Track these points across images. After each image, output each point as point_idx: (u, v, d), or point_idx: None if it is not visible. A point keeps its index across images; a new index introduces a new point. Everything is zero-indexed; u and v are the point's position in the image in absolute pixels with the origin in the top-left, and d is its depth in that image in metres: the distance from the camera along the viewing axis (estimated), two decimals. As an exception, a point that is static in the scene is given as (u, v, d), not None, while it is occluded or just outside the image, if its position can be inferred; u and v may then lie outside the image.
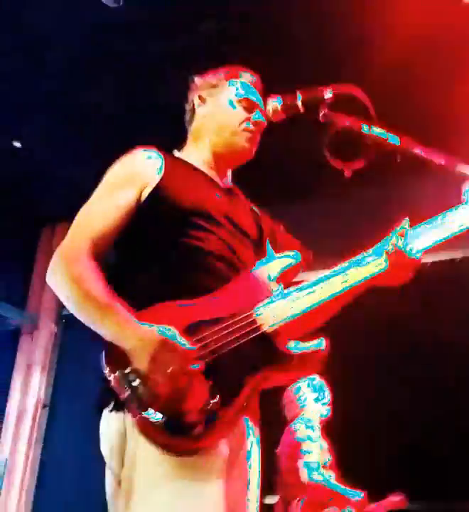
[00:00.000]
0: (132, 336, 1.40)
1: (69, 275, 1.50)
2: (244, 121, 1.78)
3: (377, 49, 3.45)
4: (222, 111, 1.81)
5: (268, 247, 1.83)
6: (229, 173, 1.86)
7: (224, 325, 1.49)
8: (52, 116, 4.40)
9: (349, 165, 1.55)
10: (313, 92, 1.59)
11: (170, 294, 1.51)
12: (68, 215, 1.68)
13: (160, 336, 1.38)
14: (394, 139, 1.54)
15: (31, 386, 6.37)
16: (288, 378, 1.78)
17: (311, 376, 3.81)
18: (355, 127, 1.55)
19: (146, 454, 1.39)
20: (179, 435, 1.36)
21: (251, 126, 1.79)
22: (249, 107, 1.80)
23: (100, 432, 1.51)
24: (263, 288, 1.59)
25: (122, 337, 1.41)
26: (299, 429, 3.65)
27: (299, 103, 1.59)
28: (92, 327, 1.46)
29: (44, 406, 6.28)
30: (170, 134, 1.80)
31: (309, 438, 3.60)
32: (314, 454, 3.53)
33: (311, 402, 3.76)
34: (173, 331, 1.41)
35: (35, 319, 6.64)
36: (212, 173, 1.79)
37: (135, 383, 1.36)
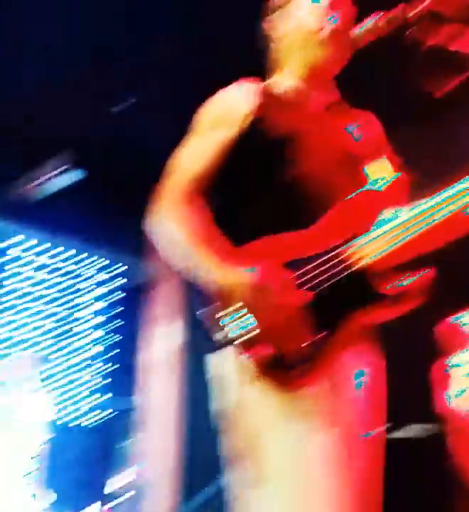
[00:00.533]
0: (233, 280, 1.39)
1: (171, 218, 1.51)
2: (326, 24, 1.64)
3: None
4: (301, 20, 1.67)
5: (372, 169, 1.68)
6: (327, 87, 1.74)
7: (323, 260, 1.43)
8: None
9: (441, 85, 1.45)
10: (396, 11, 1.49)
11: (271, 228, 1.48)
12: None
13: (262, 276, 1.36)
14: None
15: (160, 338, 6.90)
16: (392, 313, 1.58)
17: None
18: (447, 43, 1.42)
19: (254, 394, 1.40)
20: (284, 371, 1.36)
21: (336, 26, 1.63)
22: (330, 4, 1.65)
23: (210, 374, 1.53)
24: (365, 217, 1.50)
25: (224, 281, 1.40)
26: None
27: (382, 23, 1.48)
28: (198, 274, 1.45)
29: (174, 356, 6.79)
30: (257, 68, 1.74)
31: None
32: None
33: None
34: (273, 269, 1.39)
35: (158, 273, 7.04)
36: (306, 94, 1.68)
37: (237, 323, 1.37)
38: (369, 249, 1.43)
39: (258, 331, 1.35)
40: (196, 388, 6.34)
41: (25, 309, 7.08)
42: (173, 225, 1.50)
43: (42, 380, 6.56)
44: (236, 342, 1.38)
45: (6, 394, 5.15)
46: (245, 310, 1.36)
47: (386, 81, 4.17)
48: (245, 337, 1.36)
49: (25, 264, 7.18)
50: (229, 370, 1.45)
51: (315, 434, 1.34)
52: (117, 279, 7.90)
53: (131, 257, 7.47)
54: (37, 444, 5.09)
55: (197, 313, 1.45)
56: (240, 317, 1.37)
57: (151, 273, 7.52)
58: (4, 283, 6.94)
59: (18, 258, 7.14)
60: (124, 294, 7.79)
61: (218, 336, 1.40)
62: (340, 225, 1.47)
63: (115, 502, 5.46)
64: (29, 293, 7.17)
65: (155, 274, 7.45)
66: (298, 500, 1.30)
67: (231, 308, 1.38)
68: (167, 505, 6.32)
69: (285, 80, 1.71)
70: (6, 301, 6.90)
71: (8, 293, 6.96)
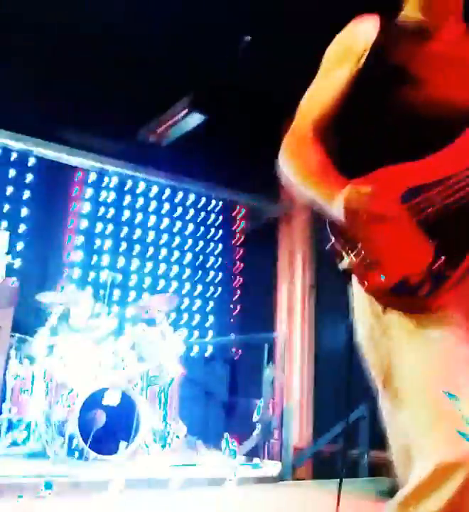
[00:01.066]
0: (342, 201, 1.38)
1: (292, 155, 1.57)
2: None
3: None
4: None
5: None
6: (452, 18, 1.63)
7: (446, 185, 1.38)
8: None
9: None
10: None
11: (390, 158, 1.44)
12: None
13: (367, 191, 1.35)
14: None
15: (296, 271, 7.22)
16: None
17: None
18: None
19: (385, 322, 1.38)
20: (406, 295, 1.32)
21: None
22: None
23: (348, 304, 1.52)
24: None
25: (335, 205, 1.40)
26: None
27: None
28: (315, 202, 1.48)
29: (311, 286, 7.06)
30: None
31: None
32: None
33: None
34: (394, 195, 1.36)
35: (290, 208, 7.26)
36: (430, 26, 1.60)
37: (354, 250, 1.36)
38: None
39: (379, 256, 1.33)
40: (329, 322, 6.37)
41: (154, 255, 7.40)
42: (296, 164, 1.56)
43: (175, 318, 6.89)
44: (358, 270, 1.37)
45: (147, 330, 5.45)
46: (366, 236, 1.35)
47: None
48: (366, 264, 1.35)
49: (151, 212, 7.46)
50: (359, 299, 1.45)
51: (447, 351, 1.31)
52: (240, 221, 8.03)
53: (255, 198, 7.54)
54: (171, 377, 5.36)
55: (326, 246, 1.45)
56: (362, 245, 1.35)
57: (274, 213, 7.59)
58: (131, 230, 7.27)
59: (145, 205, 7.44)
60: (248, 235, 7.92)
61: (343, 266, 1.40)
62: (464, 150, 1.39)
63: (250, 438, 5.68)
64: (156, 239, 7.47)
65: (280, 214, 7.50)
66: (434, 417, 1.26)
67: (352, 236, 1.37)
68: (301, 436, 6.51)
69: (408, 12, 1.65)
70: (134, 248, 7.25)
71: (136, 241, 7.29)
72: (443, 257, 1.32)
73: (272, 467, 5.09)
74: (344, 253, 1.39)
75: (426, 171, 1.41)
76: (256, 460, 5.20)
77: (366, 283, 1.37)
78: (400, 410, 1.35)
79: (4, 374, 4.57)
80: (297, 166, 1.55)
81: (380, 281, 1.34)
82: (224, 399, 7.12)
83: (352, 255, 1.37)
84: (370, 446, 5.50)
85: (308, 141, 1.56)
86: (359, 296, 1.45)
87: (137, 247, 7.29)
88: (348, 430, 5.72)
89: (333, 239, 1.44)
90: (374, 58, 1.55)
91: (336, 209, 1.39)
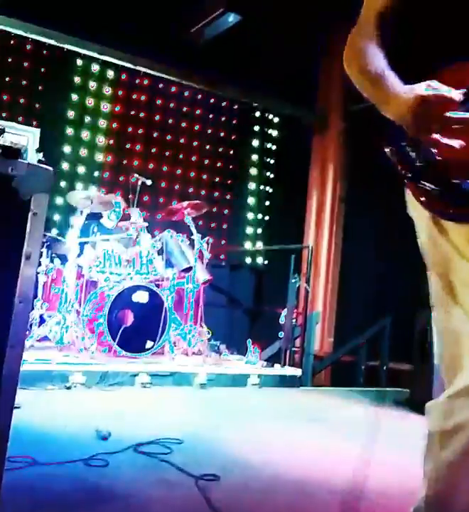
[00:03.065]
0: (400, 104, 1.28)
1: (351, 52, 1.50)
2: None
3: None
4: None
5: None
6: None
7: None
8: None
9: None
10: None
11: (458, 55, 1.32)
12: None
13: (424, 93, 1.24)
14: None
15: (327, 181, 7.15)
16: None
17: None
18: None
19: (438, 229, 1.32)
20: (459, 203, 1.24)
21: None
22: None
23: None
24: None
25: (393, 108, 1.31)
26: None
27: None
28: (373, 102, 1.40)
29: (341, 200, 7.02)
30: None
31: None
32: None
33: None
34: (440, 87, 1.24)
35: (325, 118, 7.22)
36: None
37: (411, 154, 1.28)
38: None
39: (428, 162, 1.27)
40: (356, 236, 6.34)
41: (185, 160, 7.33)
42: (350, 58, 1.49)
43: (204, 225, 6.92)
44: (411, 175, 1.31)
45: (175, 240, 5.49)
46: (416, 139, 1.28)
47: None
48: (413, 171, 1.29)
49: (183, 116, 7.33)
50: (414, 206, 1.39)
51: None
52: (274, 129, 7.87)
53: (290, 106, 7.34)
54: (198, 282, 5.44)
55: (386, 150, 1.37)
56: (410, 150, 1.29)
57: (309, 122, 7.40)
58: (162, 134, 7.19)
59: (177, 108, 7.30)
60: (282, 144, 7.78)
61: (401, 171, 1.33)
62: None
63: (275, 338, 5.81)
64: (188, 144, 7.37)
65: (317, 122, 7.31)
66: None
67: (404, 142, 1.31)
68: (323, 344, 6.66)
69: None
70: (165, 153, 7.19)
71: (167, 145, 7.21)
72: None
73: (292, 372, 5.23)
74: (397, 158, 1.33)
75: None
76: (277, 366, 5.34)
77: (416, 190, 1.31)
78: (454, 306, 1.31)
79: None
80: (359, 66, 1.47)
81: (430, 190, 1.28)
82: (249, 307, 7.27)
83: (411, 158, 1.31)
84: (390, 358, 5.61)
85: (370, 37, 1.48)
86: (413, 204, 1.39)
87: (168, 152, 7.24)
88: (368, 341, 5.84)
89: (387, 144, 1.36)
90: None
91: (401, 113, 1.31)
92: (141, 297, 4.76)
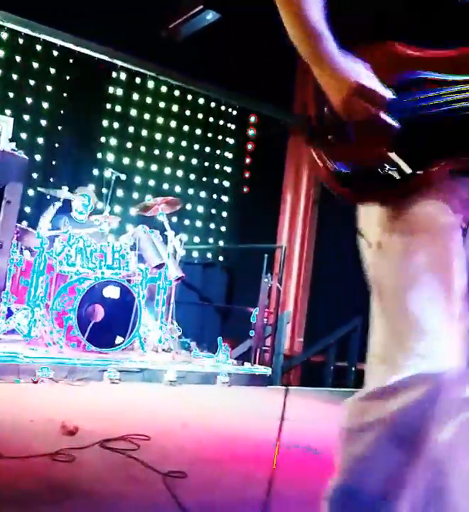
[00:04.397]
0: (333, 74, 1.24)
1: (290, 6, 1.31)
2: None
3: None
4: None
5: None
6: None
7: (445, 90, 1.21)
8: None
9: None
10: None
11: (399, 35, 1.25)
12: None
13: (359, 81, 1.20)
14: None
15: (302, 183, 7.22)
16: None
17: None
18: None
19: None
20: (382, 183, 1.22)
21: None
22: None
23: None
24: None
25: (324, 71, 1.25)
26: None
27: None
28: (304, 54, 1.30)
29: (315, 202, 7.09)
30: None
31: None
32: None
33: None
34: (375, 80, 1.21)
35: (301, 119, 7.33)
36: None
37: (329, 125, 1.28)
38: None
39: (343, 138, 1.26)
40: (329, 239, 6.39)
41: (160, 156, 7.29)
42: (294, 12, 1.31)
43: (177, 222, 6.89)
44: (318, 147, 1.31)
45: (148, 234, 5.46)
46: (337, 111, 1.25)
47: None
48: (325, 146, 1.29)
49: (159, 112, 7.30)
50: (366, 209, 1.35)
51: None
52: (250, 129, 7.87)
53: (267, 106, 7.36)
54: (170, 279, 5.42)
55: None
56: (330, 118, 1.28)
57: (285, 123, 7.43)
58: (137, 129, 7.14)
59: (153, 104, 7.26)
60: (257, 144, 7.79)
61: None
62: None
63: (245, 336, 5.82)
64: (163, 140, 7.34)
65: (291, 125, 7.35)
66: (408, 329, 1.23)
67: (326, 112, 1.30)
68: (293, 343, 6.69)
69: None
70: (139, 148, 7.14)
71: (143, 141, 7.16)
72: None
73: (262, 371, 5.25)
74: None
75: (431, 63, 1.24)
76: (247, 365, 5.36)
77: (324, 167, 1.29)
78: (381, 317, 1.32)
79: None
80: (298, 6, 1.29)
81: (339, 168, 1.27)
82: (220, 305, 7.26)
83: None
84: (360, 359, 5.67)
85: None
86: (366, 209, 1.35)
87: (143, 147, 7.19)
88: (338, 341, 5.89)
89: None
90: None
91: (338, 88, 1.25)
92: (112, 292, 4.72)
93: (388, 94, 1.23)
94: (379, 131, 1.23)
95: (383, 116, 1.22)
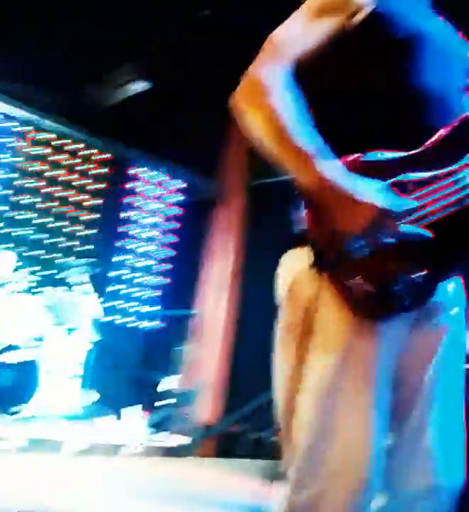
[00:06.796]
0: (336, 193, 1.18)
1: (260, 103, 1.26)
2: None
3: None
4: None
5: None
6: None
7: (434, 186, 1.21)
8: None
9: None
10: None
11: (377, 140, 1.25)
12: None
13: (367, 199, 1.16)
14: None
15: (227, 251, 7.11)
16: None
17: None
18: None
19: (331, 315, 1.24)
20: (378, 304, 1.21)
21: None
22: None
23: (282, 270, 1.35)
24: None
25: (324, 191, 1.19)
26: None
27: None
28: (289, 171, 1.24)
29: (238, 270, 6.98)
30: None
31: None
32: None
33: None
34: (387, 190, 1.19)
35: (226, 189, 7.18)
36: None
37: (335, 245, 1.19)
38: None
39: (355, 257, 1.19)
40: (253, 307, 6.40)
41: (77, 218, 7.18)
42: (265, 112, 1.25)
43: (96, 284, 6.75)
44: (327, 263, 1.23)
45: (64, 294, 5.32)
46: (343, 231, 1.18)
47: None
48: (342, 264, 1.21)
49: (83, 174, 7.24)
50: (306, 285, 1.28)
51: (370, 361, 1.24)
52: (177, 195, 7.92)
53: (194, 173, 7.44)
54: (87, 343, 5.26)
55: (293, 217, 1.29)
56: (336, 237, 1.19)
57: (214, 191, 7.52)
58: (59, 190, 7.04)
59: (80, 164, 7.21)
60: (184, 209, 7.83)
61: (310, 252, 1.24)
62: (463, 144, 1.24)
63: (160, 403, 5.65)
64: (83, 202, 7.24)
65: (219, 192, 7.44)
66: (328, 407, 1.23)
67: (327, 227, 1.20)
68: (211, 413, 6.51)
69: None
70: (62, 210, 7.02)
71: (64, 201, 7.06)
72: (424, 271, 1.20)
73: (178, 441, 5.09)
74: (326, 242, 1.23)
75: (415, 162, 1.24)
76: (163, 433, 5.18)
77: (340, 282, 1.23)
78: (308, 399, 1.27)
79: None
80: (267, 117, 1.23)
81: (361, 285, 1.21)
82: (137, 370, 7.05)
83: (337, 249, 1.21)
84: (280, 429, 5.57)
85: (284, 80, 1.26)
86: (302, 273, 1.28)
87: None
88: (258, 410, 5.80)
89: (302, 213, 1.26)
90: (371, 18, 1.33)
91: (314, 191, 1.20)
92: (13, 355, 4.51)
93: (401, 205, 1.19)
94: (411, 246, 1.19)
95: (411, 230, 1.19)
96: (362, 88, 1.33)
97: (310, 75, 1.32)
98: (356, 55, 1.33)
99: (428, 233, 1.19)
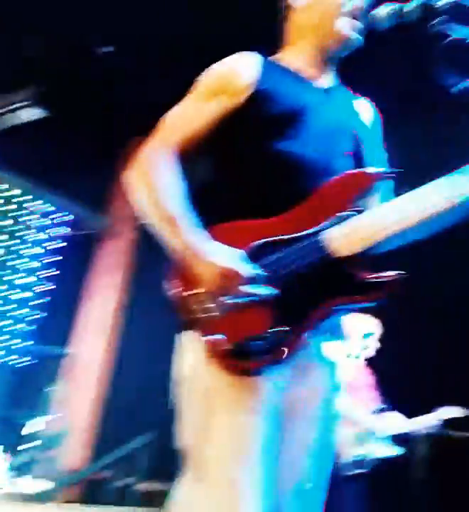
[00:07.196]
0: (200, 259, 1.35)
1: (144, 178, 1.46)
2: (344, 4, 1.62)
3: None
4: None
5: (366, 155, 1.64)
6: (333, 69, 1.70)
7: (293, 248, 1.39)
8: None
9: (457, 81, 1.42)
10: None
11: (247, 207, 1.44)
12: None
13: (226, 264, 1.33)
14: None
15: (110, 288, 6.91)
16: (355, 303, 1.45)
17: None
18: None
19: (206, 376, 1.36)
20: (243, 359, 1.32)
21: (353, 9, 1.62)
22: None
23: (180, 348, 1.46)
24: (343, 204, 1.43)
25: (190, 257, 1.36)
26: None
27: (411, 9, 1.45)
28: (162, 238, 1.41)
29: (120, 309, 6.81)
30: (267, 39, 1.71)
31: None
32: None
33: None
34: (240, 255, 1.36)
35: (114, 225, 7.12)
36: (312, 72, 1.65)
37: (201, 305, 1.34)
38: (348, 237, 1.39)
39: (217, 316, 1.33)
40: (133, 349, 6.33)
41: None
42: (147, 186, 1.45)
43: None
44: (194, 323, 1.37)
45: None
46: (206, 293, 1.34)
47: (396, 71, 4.02)
48: (204, 319, 1.34)
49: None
50: (187, 346, 1.42)
51: (256, 423, 1.33)
52: (61, 227, 7.72)
53: (81, 206, 7.31)
54: None
55: (164, 283, 1.43)
56: (200, 299, 1.35)
57: (102, 225, 7.42)
58: None
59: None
60: (66, 243, 7.64)
61: (179, 312, 1.39)
62: (319, 209, 1.42)
63: (24, 446, 5.37)
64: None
65: (106, 229, 7.35)
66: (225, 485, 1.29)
67: (197, 290, 1.35)
68: (77, 457, 6.28)
69: (292, 55, 1.68)
70: None
71: None
72: (282, 326, 1.32)
73: (41, 486, 4.87)
74: (188, 302, 1.36)
75: (277, 228, 1.41)
76: (26, 477, 4.94)
77: (200, 336, 1.35)
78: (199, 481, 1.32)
79: None
80: (149, 190, 1.43)
81: (214, 341, 1.33)
82: (2, 408, 6.65)
83: (191, 304, 1.35)
84: (149, 476, 5.51)
85: (166, 165, 1.45)
86: (187, 343, 1.42)
87: None
88: (126, 457, 5.69)
89: (173, 280, 1.40)
90: (253, 99, 1.51)
91: (196, 269, 1.34)
92: None
93: (249, 268, 1.35)
94: (255, 306, 1.33)
95: (252, 291, 1.33)
96: (236, 160, 1.52)
97: (197, 150, 1.52)
98: (236, 129, 1.52)
99: (277, 291, 1.35)
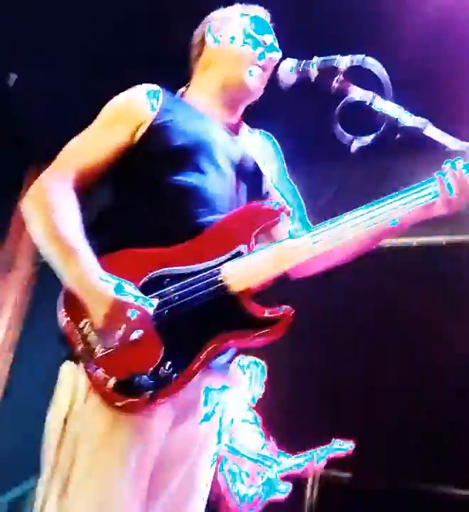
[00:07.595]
0: (90, 291, 1.33)
1: (41, 207, 1.44)
2: (254, 55, 1.68)
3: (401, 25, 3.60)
4: (233, 43, 1.70)
5: (270, 188, 1.70)
6: (237, 111, 1.75)
7: (188, 281, 1.38)
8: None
9: (356, 140, 1.47)
10: (329, 61, 1.52)
11: (143, 238, 1.43)
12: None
13: (116, 296, 1.31)
14: (405, 118, 1.45)
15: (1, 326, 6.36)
16: (251, 342, 1.44)
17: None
18: (367, 101, 1.48)
19: (87, 410, 1.33)
20: (128, 396, 1.30)
21: (262, 62, 1.68)
22: (261, 41, 1.70)
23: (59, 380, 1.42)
24: (241, 238, 1.44)
25: (80, 288, 1.34)
26: None
27: (313, 68, 1.52)
28: (55, 269, 1.38)
29: (11, 347, 6.32)
30: (176, 75, 1.73)
31: None
32: None
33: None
34: (130, 290, 1.34)
35: (11, 259, 6.61)
36: (215, 111, 1.69)
37: (88, 338, 1.32)
38: (241, 273, 1.40)
39: (103, 349, 1.32)
40: (23, 386, 5.97)
41: None
42: (43, 216, 1.44)
43: None
44: (78, 355, 1.35)
45: None
46: (96, 328, 1.32)
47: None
48: (88, 355, 1.33)
49: None
50: (69, 377, 1.39)
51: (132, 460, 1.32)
52: None
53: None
54: None
55: (57, 313, 1.41)
56: (87, 331, 1.34)
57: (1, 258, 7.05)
58: None
59: None
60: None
61: (66, 344, 1.37)
62: (214, 243, 1.44)
63: None
64: None
65: (3, 261, 6.99)
66: None
67: (83, 322, 1.35)
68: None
69: (201, 91, 1.72)
70: None
71: None
72: (169, 362, 1.31)
73: None
74: (74, 333, 1.34)
75: (172, 259, 1.40)
76: None
77: (85, 368, 1.32)
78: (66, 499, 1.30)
79: None
80: (44, 220, 1.41)
81: (99, 375, 1.30)
82: None
83: (83, 341, 1.33)
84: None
85: (63, 194, 1.44)
86: (69, 375, 1.38)
87: None
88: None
89: (64, 313, 1.38)
90: (153, 131, 1.54)
91: (85, 301, 1.33)
92: None
93: (139, 301, 1.32)
94: (144, 340, 1.31)
95: (140, 325, 1.30)
96: (134, 188, 1.54)
97: (96, 179, 1.53)
98: (134, 159, 1.54)
99: (168, 325, 1.34)
